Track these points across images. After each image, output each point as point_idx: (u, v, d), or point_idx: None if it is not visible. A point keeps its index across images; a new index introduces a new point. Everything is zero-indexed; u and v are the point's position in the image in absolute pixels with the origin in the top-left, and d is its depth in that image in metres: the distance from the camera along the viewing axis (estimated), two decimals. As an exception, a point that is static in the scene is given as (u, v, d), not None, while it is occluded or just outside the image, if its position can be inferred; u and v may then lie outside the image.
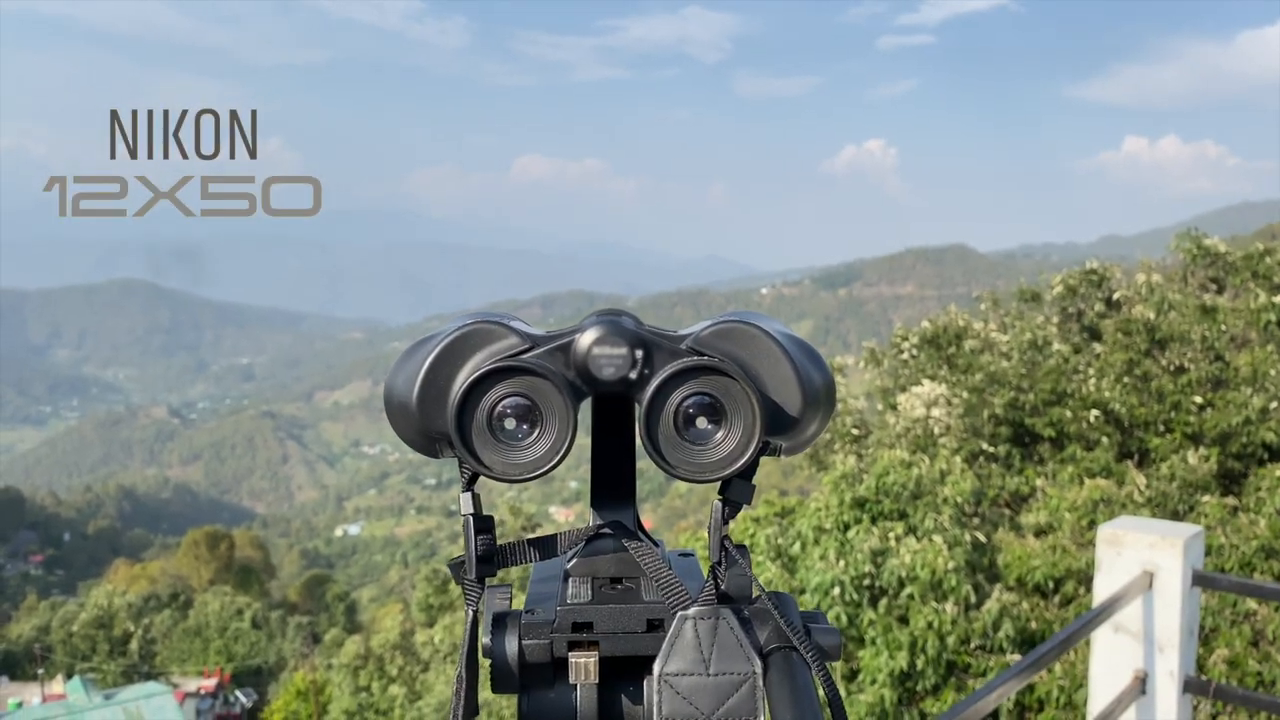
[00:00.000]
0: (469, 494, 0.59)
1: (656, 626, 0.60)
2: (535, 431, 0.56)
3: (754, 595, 0.60)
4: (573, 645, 0.59)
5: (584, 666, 0.59)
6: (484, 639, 0.60)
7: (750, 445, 0.56)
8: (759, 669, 0.57)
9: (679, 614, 0.58)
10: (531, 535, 0.60)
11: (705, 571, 0.62)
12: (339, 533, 73.34)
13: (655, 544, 0.64)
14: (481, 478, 0.57)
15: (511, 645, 0.59)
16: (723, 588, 0.59)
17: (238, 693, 27.44)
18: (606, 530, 0.63)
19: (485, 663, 0.60)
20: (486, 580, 0.59)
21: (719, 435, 0.56)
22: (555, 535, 0.63)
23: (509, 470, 0.56)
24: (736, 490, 0.58)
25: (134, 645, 28.18)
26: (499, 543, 0.60)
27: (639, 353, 0.57)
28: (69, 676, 24.57)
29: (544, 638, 0.59)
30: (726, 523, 0.59)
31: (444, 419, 0.57)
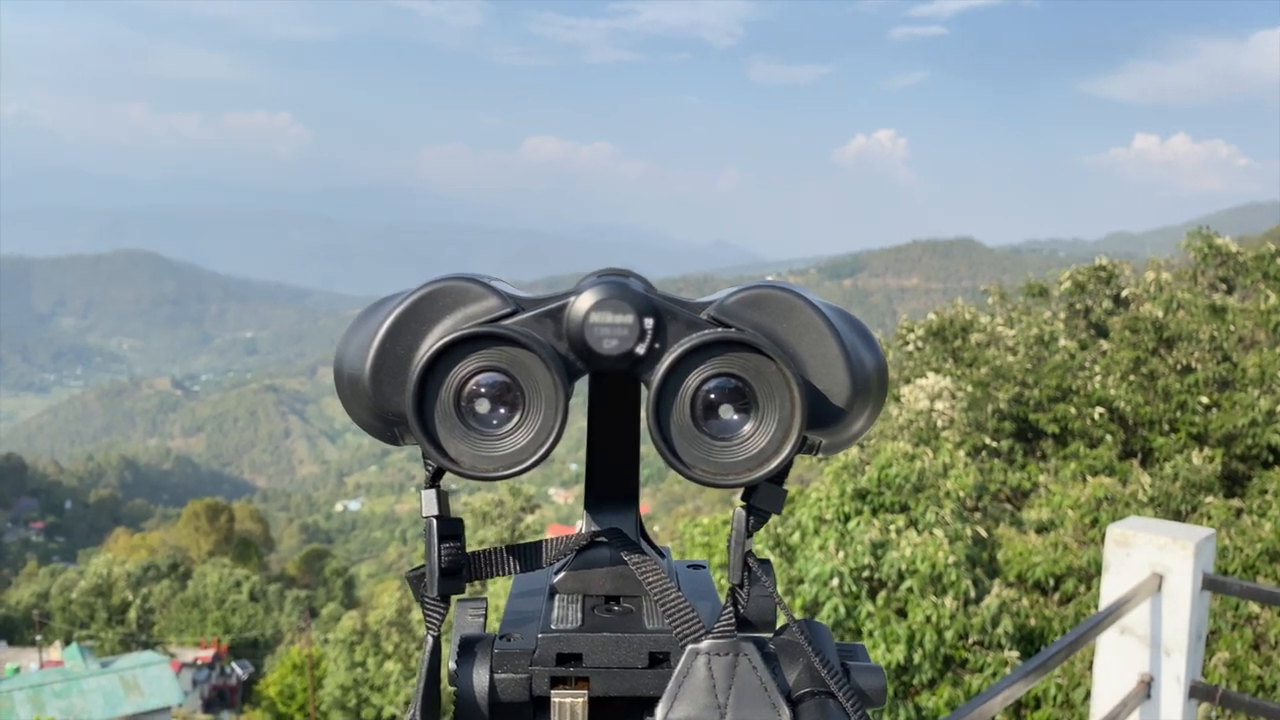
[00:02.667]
0: (433, 491, 0.48)
1: (661, 661, 0.48)
2: (514, 417, 0.45)
3: (781, 624, 0.49)
4: (557, 681, 0.48)
5: (570, 708, 0.48)
6: (450, 666, 0.49)
7: (786, 441, 0.44)
8: (787, 719, 0.45)
9: (689, 647, 0.46)
10: (512, 542, 0.51)
11: (721, 590, 0.51)
12: (339, 508, 73.50)
13: (660, 554, 0.53)
14: (450, 473, 0.47)
15: (481, 679, 0.48)
16: (743, 614, 0.48)
17: (234, 664, 27.58)
18: (602, 539, 0.52)
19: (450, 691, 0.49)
20: (454, 597, 0.49)
21: (747, 428, 0.45)
22: (540, 543, 0.52)
23: (480, 464, 0.45)
24: (765, 496, 0.47)
25: (132, 614, 28.30)
26: (472, 549, 0.49)
27: (649, 322, 0.45)
28: (67, 643, 24.70)
29: (522, 671, 0.48)
30: (751, 535, 0.47)
31: (402, 398, 0.45)
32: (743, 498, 0.47)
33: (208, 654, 26.87)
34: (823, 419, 0.46)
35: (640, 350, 0.45)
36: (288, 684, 22.54)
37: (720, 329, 0.45)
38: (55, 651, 24.29)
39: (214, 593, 29.29)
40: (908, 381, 8.49)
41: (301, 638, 25.15)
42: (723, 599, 0.49)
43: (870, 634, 5.53)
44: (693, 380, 0.45)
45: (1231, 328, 7.58)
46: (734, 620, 0.47)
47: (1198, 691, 2.48)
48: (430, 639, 0.48)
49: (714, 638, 0.46)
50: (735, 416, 0.45)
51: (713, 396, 0.45)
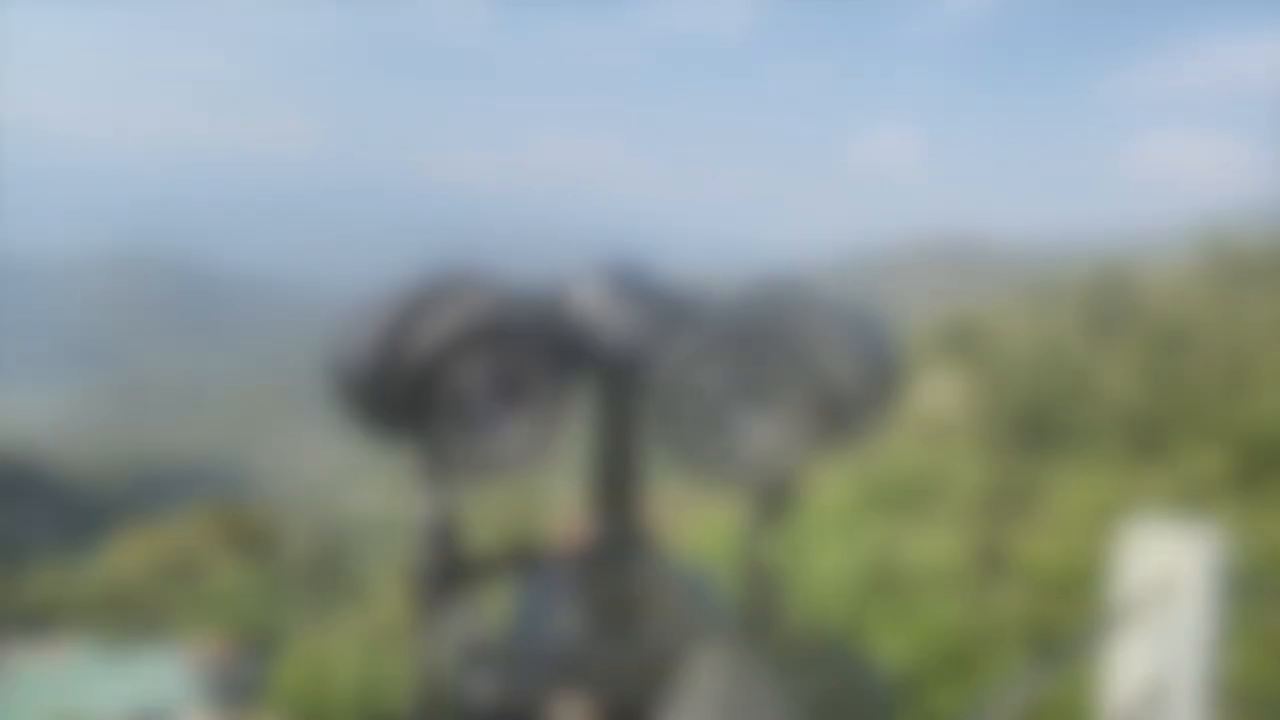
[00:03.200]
0: (427, 490, 0.47)
1: (665, 671, 0.46)
2: (513, 415, 0.44)
3: (791, 632, 0.47)
4: (556, 691, 0.47)
5: (570, 718, 0.47)
6: (446, 673, 0.49)
7: (796, 440, 0.43)
8: None
9: (693, 656, 0.45)
10: (516, 543, 0.49)
11: (729, 596, 0.50)
12: (354, 506, 73.85)
13: (665, 557, 0.51)
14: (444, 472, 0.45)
15: (476, 688, 0.47)
16: (751, 622, 0.47)
17: (245, 661, 27.75)
18: (603, 541, 0.51)
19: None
20: (449, 601, 0.48)
21: (755, 426, 0.43)
22: (539, 545, 0.52)
23: (477, 464, 0.44)
24: (773, 497, 0.45)
25: (142, 612, 28.53)
26: (468, 553, 0.49)
27: (654, 315, 0.44)
28: (75, 641, 24.89)
29: (519, 680, 0.47)
30: (759, 537, 0.46)
31: (396, 396, 0.44)
32: (751, 498, 0.46)
33: (219, 651, 27.03)
34: (834, 416, 0.44)
35: (644, 345, 0.44)
36: (299, 681, 22.66)
37: (728, 324, 0.44)
38: (65, 648, 24.48)
39: (225, 590, 29.47)
40: (918, 379, 8.50)
41: (313, 635, 25.28)
42: (729, 605, 0.47)
43: (878, 633, 5.52)
44: (702, 376, 0.43)
45: (1246, 327, 7.56)
46: (740, 628, 0.46)
47: (1211, 694, 2.46)
48: (425, 644, 0.46)
49: (720, 645, 0.45)
50: (743, 414, 0.43)
51: (720, 393, 0.43)
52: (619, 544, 0.50)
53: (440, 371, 0.43)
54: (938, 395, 8.07)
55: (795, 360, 0.42)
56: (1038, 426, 7.90)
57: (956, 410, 7.94)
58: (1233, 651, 4.93)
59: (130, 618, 28.70)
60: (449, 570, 0.47)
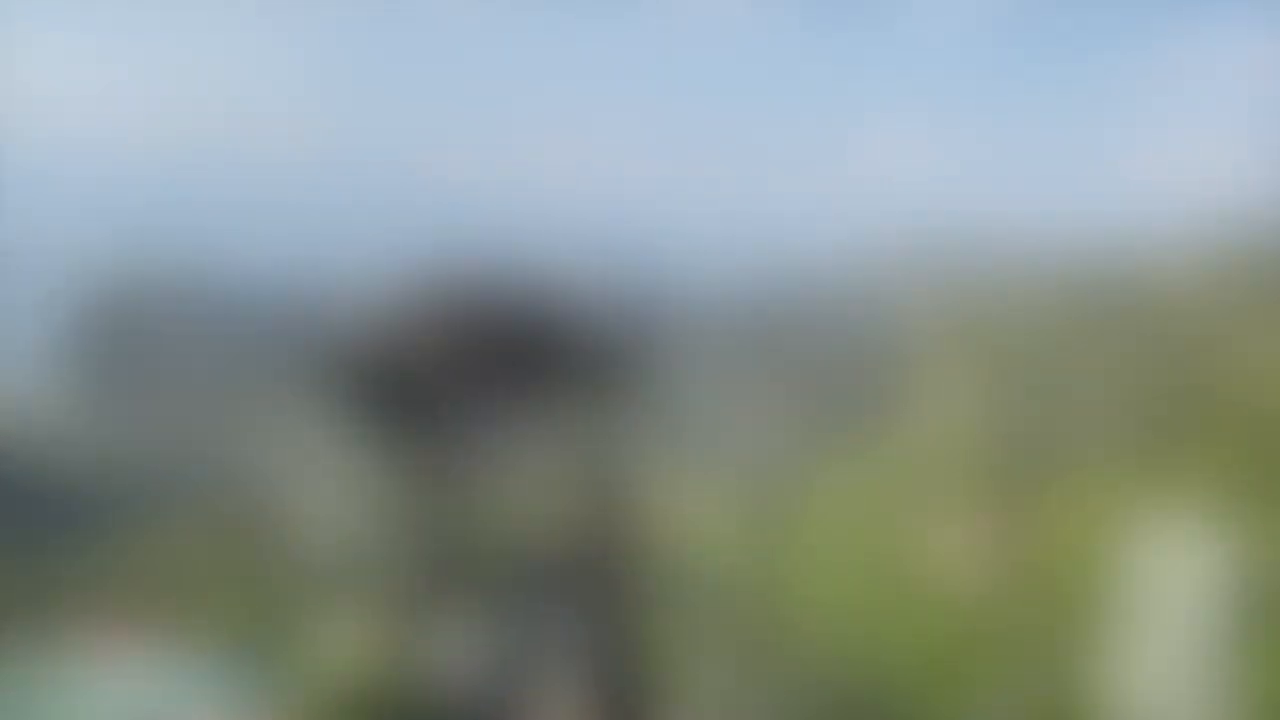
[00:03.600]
0: (420, 490, 0.47)
1: (666, 676, 0.47)
2: (509, 415, 0.44)
3: (798, 641, 0.47)
4: (554, 693, 0.47)
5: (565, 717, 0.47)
6: (444, 675, 0.48)
7: (803, 443, 0.42)
8: None
9: (695, 663, 0.45)
10: (497, 544, 0.48)
11: (731, 601, 0.49)
12: (353, 506, 76.02)
13: (660, 558, 0.52)
14: (439, 474, 0.45)
15: (475, 690, 0.47)
16: (756, 632, 0.47)
17: (243, 662, 28.20)
18: (601, 543, 0.51)
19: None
20: (445, 602, 0.47)
21: (760, 430, 0.42)
22: (534, 546, 0.51)
23: (471, 463, 0.44)
24: (780, 498, 0.46)
25: (141, 613, 29.03)
26: (461, 554, 0.48)
27: (652, 315, 0.44)
28: (75, 642, 25.29)
29: (514, 679, 0.47)
30: (764, 542, 0.46)
31: (395, 396, 0.44)
32: (749, 497, 0.45)
33: (218, 651, 27.47)
34: (844, 419, 0.44)
35: (644, 346, 0.43)
36: (300, 682, 23.04)
37: (728, 322, 0.42)
38: (63, 649, 24.88)
39: (225, 590, 30.01)
40: (920, 378, 8.59)
41: (314, 635, 25.72)
42: (726, 606, 0.47)
43: (880, 635, 5.55)
44: (702, 380, 0.42)
45: (1255, 327, 7.63)
46: (745, 636, 0.45)
47: (1222, 696, 2.47)
48: (423, 645, 0.45)
49: (722, 654, 0.44)
50: (749, 419, 0.42)
51: (725, 397, 0.42)
52: (615, 545, 0.50)
53: (438, 371, 0.42)
54: (940, 394, 8.15)
55: (794, 359, 0.41)
56: (1044, 428, 7.97)
57: (960, 410, 8.02)
58: (1238, 655, 4.97)
59: (130, 618, 29.24)
60: (447, 570, 0.46)
